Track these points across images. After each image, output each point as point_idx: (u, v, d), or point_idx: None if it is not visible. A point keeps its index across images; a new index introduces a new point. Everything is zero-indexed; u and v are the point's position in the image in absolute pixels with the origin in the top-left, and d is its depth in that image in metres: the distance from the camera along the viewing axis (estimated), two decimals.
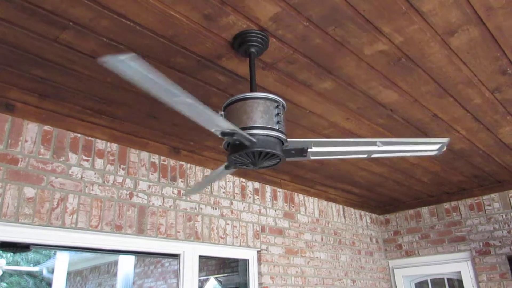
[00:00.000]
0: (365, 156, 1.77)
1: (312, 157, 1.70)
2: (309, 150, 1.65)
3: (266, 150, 1.47)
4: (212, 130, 1.41)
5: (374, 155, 1.76)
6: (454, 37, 1.80)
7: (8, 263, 13.21)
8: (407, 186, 4.03)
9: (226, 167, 1.71)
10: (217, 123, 1.35)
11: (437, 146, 1.75)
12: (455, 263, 4.25)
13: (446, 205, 4.43)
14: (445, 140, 1.72)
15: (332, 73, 2.03)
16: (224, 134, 1.41)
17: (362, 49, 1.85)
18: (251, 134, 1.46)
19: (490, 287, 3.93)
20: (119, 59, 0.99)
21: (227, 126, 1.36)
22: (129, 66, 1.03)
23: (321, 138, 2.76)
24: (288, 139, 1.57)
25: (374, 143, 1.66)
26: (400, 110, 2.44)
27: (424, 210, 4.59)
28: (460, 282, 4.23)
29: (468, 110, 2.48)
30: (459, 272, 4.21)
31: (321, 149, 1.68)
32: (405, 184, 3.94)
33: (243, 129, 1.47)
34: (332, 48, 1.84)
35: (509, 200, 4.03)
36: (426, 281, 4.59)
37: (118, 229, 2.51)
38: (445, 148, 1.77)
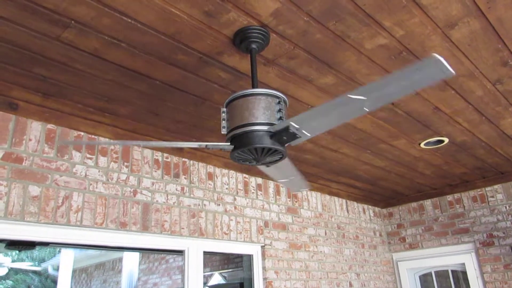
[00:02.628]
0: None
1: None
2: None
3: (269, 146, 1.48)
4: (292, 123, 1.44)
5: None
6: (455, 30, 1.80)
7: (13, 261, 13.30)
8: (410, 179, 4.04)
9: (207, 147, 1.62)
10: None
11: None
12: (459, 255, 4.26)
13: (449, 198, 4.44)
14: (307, 186, 1.80)
15: (333, 68, 2.04)
16: (289, 128, 1.45)
17: (362, 43, 1.85)
18: (253, 131, 1.47)
19: (494, 278, 3.94)
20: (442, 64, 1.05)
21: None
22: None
23: (323, 133, 2.77)
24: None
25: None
26: (402, 103, 2.44)
27: (427, 203, 4.60)
28: (464, 273, 4.24)
29: (470, 102, 2.48)
30: (463, 264, 4.22)
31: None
32: (408, 177, 3.95)
33: (245, 125, 1.48)
34: (332, 43, 1.84)
35: None
36: (430, 273, 4.61)
37: (122, 226, 2.53)
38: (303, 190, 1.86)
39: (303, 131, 1.46)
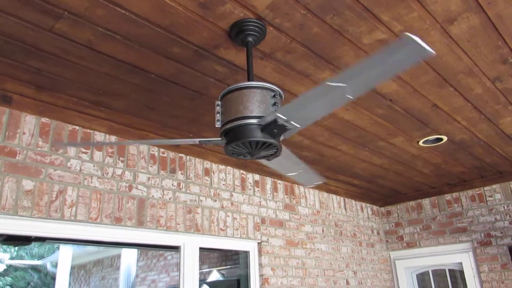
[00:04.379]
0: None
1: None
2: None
3: (264, 140, 1.46)
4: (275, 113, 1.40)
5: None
6: (454, 25, 1.78)
7: (12, 258, 13.30)
8: (408, 178, 4.02)
9: (200, 142, 1.63)
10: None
11: (313, 183, 1.82)
12: (457, 254, 4.25)
13: (448, 197, 4.42)
14: (321, 180, 1.86)
15: (330, 63, 2.01)
16: (276, 120, 1.41)
17: (360, 38, 1.83)
18: (248, 124, 1.45)
19: (491, 277, 3.93)
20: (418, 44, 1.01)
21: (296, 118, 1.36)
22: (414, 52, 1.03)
23: (320, 129, 2.75)
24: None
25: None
26: (400, 100, 2.42)
27: (426, 202, 4.58)
28: (461, 273, 4.23)
29: (469, 100, 2.46)
30: (461, 263, 4.21)
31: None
32: (406, 175, 3.93)
33: (240, 118, 1.46)
34: (330, 37, 1.82)
35: (511, 191, 4.02)
36: (427, 272, 4.60)
37: (117, 221, 2.51)
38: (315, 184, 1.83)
39: (292, 122, 1.43)
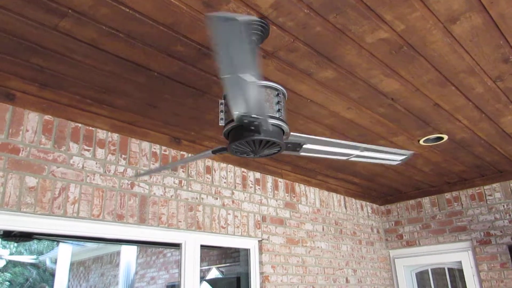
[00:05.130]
0: (345, 158, 2.04)
1: (301, 153, 1.78)
2: (304, 146, 1.70)
3: (267, 138, 1.47)
4: (235, 112, 1.38)
5: (352, 159, 2.05)
6: (456, 25, 1.79)
7: (11, 254, 13.32)
8: (408, 176, 4.03)
9: (214, 152, 1.71)
10: (250, 105, 1.32)
11: (402, 157, 2.05)
12: (456, 253, 4.27)
13: (447, 195, 4.44)
14: (410, 152, 2.02)
15: (333, 62, 2.02)
16: (245, 117, 1.39)
17: (363, 37, 1.84)
18: None
19: (490, 276, 3.95)
20: (226, 16, 0.96)
21: (257, 110, 1.35)
22: (230, 28, 0.98)
23: (322, 127, 2.76)
24: (290, 133, 1.61)
25: (358, 148, 1.89)
26: (402, 99, 2.43)
27: (425, 200, 4.60)
28: (460, 271, 4.25)
29: (470, 99, 2.47)
30: (460, 262, 4.23)
31: (313, 147, 1.78)
32: (406, 174, 3.94)
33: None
34: (333, 36, 1.82)
35: (511, 190, 4.03)
36: (426, 271, 4.62)
37: (119, 218, 2.52)
38: (406, 159, 2.07)
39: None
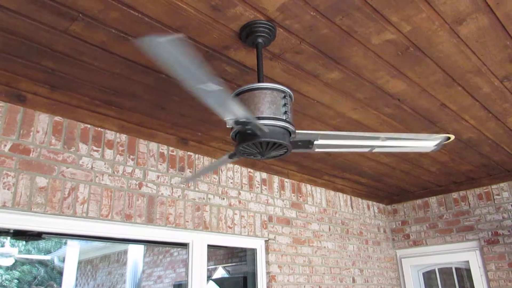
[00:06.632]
0: (367, 150, 1.88)
1: (317, 150, 1.75)
2: (315, 142, 1.69)
3: (274, 141, 1.49)
4: (227, 119, 1.40)
5: (376, 150, 1.88)
6: (463, 26, 1.79)
7: (19, 252, 13.46)
8: (415, 176, 4.03)
9: (230, 157, 1.74)
10: (234, 112, 1.35)
11: (435, 142, 1.88)
12: (463, 253, 4.25)
13: (455, 195, 4.42)
14: (444, 136, 1.84)
15: (339, 63, 2.03)
16: (238, 123, 1.41)
17: (369, 38, 1.85)
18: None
19: (498, 276, 3.93)
20: (157, 40, 0.98)
21: (243, 114, 1.36)
22: (165, 48, 1.02)
23: (328, 128, 2.77)
24: (296, 131, 1.59)
25: (377, 138, 1.77)
26: (408, 100, 2.44)
27: (432, 200, 4.59)
28: (468, 271, 4.24)
29: (477, 99, 2.47)
30: (467, 262, 4.21)
31: (327, 142, 1.75)
32: (413, 174, 3.94)
33: None
34: (339, 38, 1.84)
35: None
36: (434, 271, 4.61)
37: (128, 218, 2.55)
38: (442, 144, 1.90)
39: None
